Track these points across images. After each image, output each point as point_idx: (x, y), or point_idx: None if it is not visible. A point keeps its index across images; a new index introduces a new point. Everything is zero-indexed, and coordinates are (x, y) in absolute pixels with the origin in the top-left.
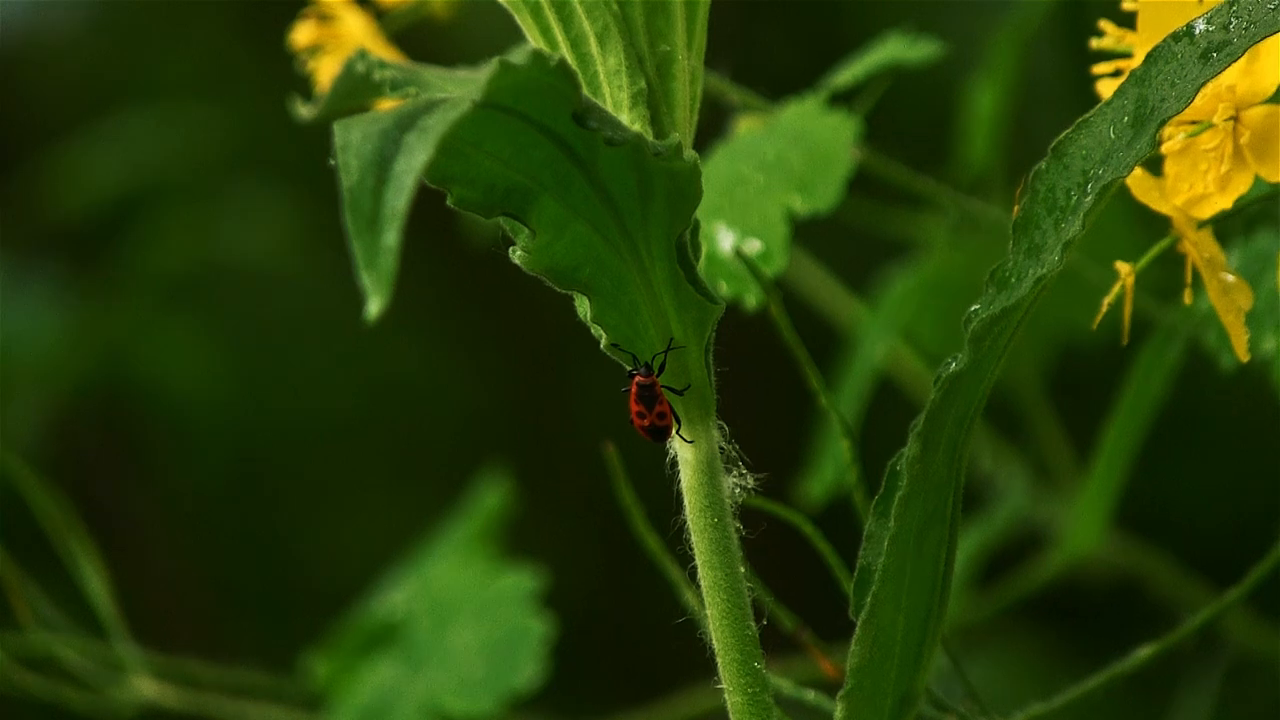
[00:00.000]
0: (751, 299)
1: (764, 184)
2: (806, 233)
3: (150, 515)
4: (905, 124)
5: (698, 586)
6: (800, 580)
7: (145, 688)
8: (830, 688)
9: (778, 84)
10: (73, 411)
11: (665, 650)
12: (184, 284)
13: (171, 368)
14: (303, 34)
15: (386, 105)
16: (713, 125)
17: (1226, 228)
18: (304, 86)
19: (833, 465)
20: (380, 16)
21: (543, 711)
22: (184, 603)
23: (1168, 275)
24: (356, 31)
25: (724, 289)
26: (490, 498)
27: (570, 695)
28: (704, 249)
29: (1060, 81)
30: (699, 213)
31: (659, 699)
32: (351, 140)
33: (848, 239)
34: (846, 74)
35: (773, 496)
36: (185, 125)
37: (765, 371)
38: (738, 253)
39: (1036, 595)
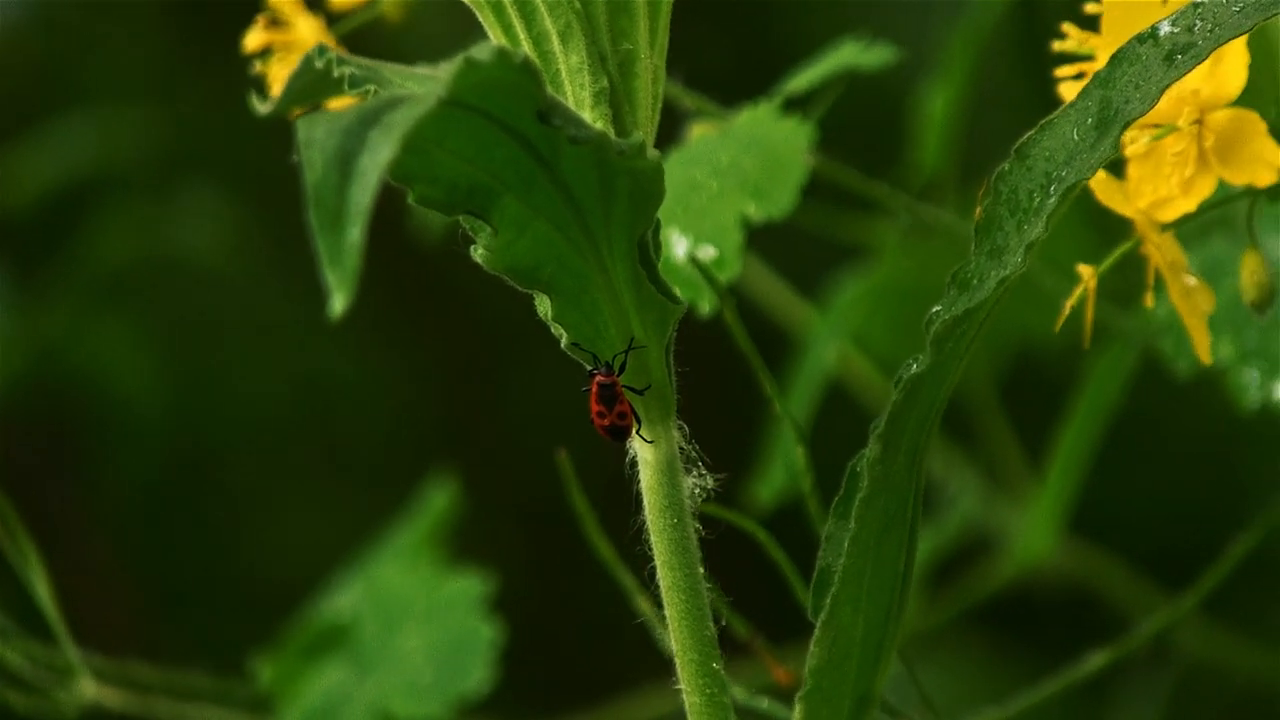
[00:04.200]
0: (705, 305)
1: (718, 190)
2: (757, 237)
3: (89, 515)
4: (857, 129)
5: (655, 588)
6: (755, 580)
7: (88, 689)
8: (784, 694)
9: (730, 91)
10: (8, 409)
11: (617, 652)
12: (122, 283)
13: (110, 366)
14: (254, 38)
15: (340, 104)
16: (666, 131)
17: (1183, 232)
18: (247, 88)
19: (783, 469)
20: (332, 21)
21: (493, 715)
22: (123, 601)
23: (1124, 280)
24: (308, 35)
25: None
26: (437, 501)
27: (520, 698)
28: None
29: (1013, 86)
30: None
31: (611, 701)
32: (315, 136)
33: (798, 243)
34: (800, 79)
35: (721, 500)
36: (128, 126)
37: (713, 374)
38: (692, 259)
39: (989, 601)
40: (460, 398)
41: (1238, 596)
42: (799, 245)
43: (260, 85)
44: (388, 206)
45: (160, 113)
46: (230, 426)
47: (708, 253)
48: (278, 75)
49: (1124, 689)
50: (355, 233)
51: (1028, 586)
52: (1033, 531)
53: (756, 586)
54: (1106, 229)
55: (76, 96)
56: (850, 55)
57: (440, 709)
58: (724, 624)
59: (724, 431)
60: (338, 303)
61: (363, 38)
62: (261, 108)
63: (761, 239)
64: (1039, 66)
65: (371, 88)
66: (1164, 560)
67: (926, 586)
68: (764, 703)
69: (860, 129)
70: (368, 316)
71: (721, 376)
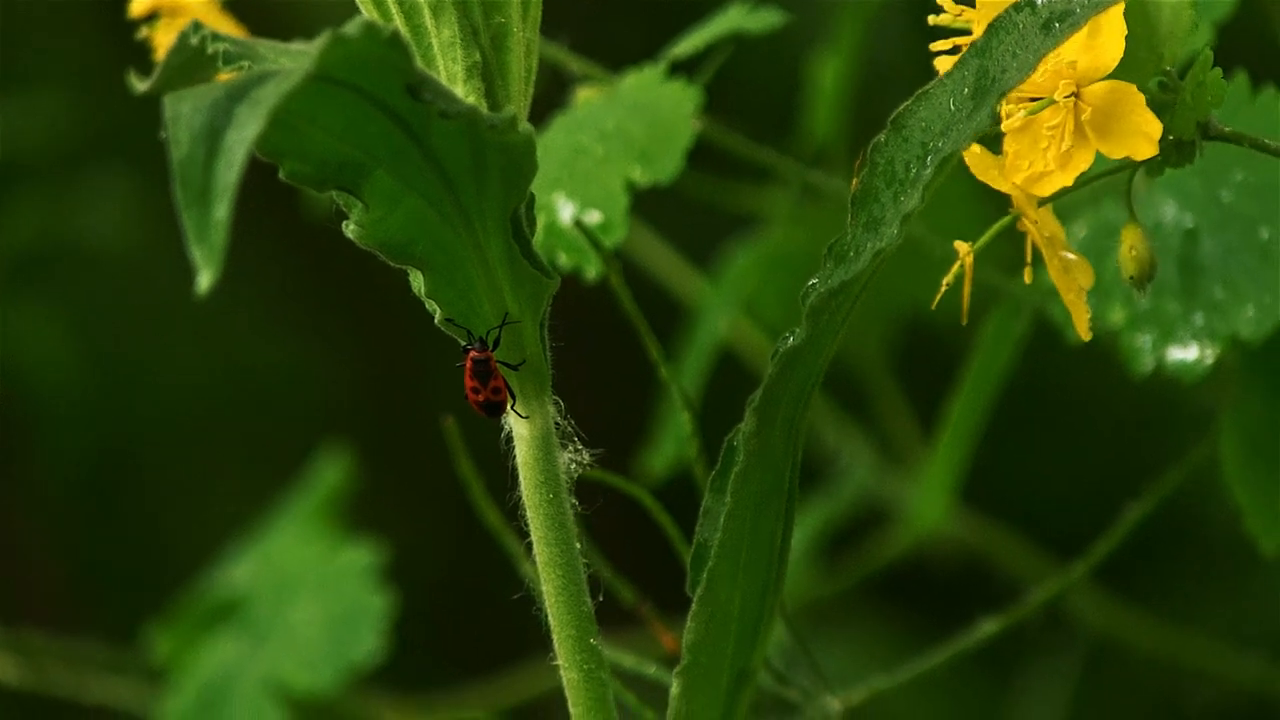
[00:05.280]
0: (591, 270)
1: (604, 155)
2: (648, 206)
3: (13, 499)
4: (750, 97)
5: (532, 562)
6: (639, 557)
7: None
8: (671, 662)
9: (619, 56)
10: None
11: (509, 626)
12: (39, 268)
13: (28, 350)
14: (139, 3)
15: (222, 79)
16: (553, 96)
17: (1074, 199)
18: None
19: (674, 440)
20: None
21: (387, 686)
22: (41, 585)
23: (1014, 247)
24: (193, 1)
25: (563, 260)
26: (330, 473)
27: (414, 669)
28: (543, 220)
29: (909, 57)
30: (538, 184)
31: (502, 674)
32: (182, 112)
33: (690, 213)
34: (687, 43)
35: (613, 471)
36: (48, 111)
37: (606, 345)
38: (578, 224)
39: (883, 573)
40: (379, 377)
41: (1143, 573)
42: (692, 215)
43: (145, 51)
44: (297, 189)
45: (84, 98)
46: (151, 411)
47: (593, 217)
48: (163, 41)
49: (1030, 668)
50: (222, 209)
51: (924, 558)
52: (926, 502)
53: (647, 558)
54: (997, 199)
55: (3, 83)
56: (736, 19)
57: (332, 679)
58: (603, 598)
59: (622, 403)
60: (204, 279)
61: (263, 14)
62: (140, 86)
63: (654, 209)
64: (933, 38)
65: (246, 64)
66: (1060, 530)
67: (821, 558)
68: (650, 669)
69: (768, 99)
70: (284, 300)
71: (621, 347)
